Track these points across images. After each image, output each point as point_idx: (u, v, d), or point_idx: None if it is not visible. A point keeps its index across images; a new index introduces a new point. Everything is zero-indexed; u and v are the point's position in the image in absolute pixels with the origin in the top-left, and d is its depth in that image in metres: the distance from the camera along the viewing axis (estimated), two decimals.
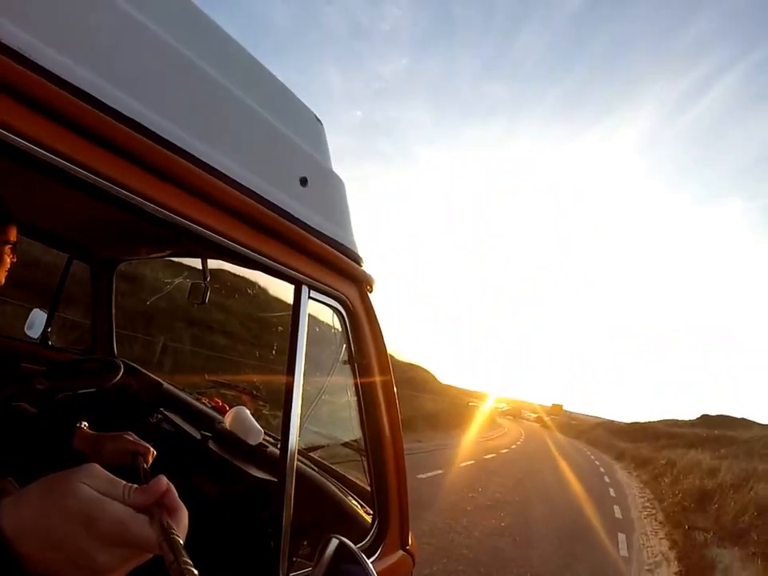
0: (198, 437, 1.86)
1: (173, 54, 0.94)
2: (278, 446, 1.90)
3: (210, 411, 2.14)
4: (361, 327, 1.50)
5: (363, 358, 1.52)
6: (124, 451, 1.22)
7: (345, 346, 1.50)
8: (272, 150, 1.23)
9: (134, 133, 0.84)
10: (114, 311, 2.62)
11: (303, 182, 1.30)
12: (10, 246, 1.37)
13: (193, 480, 1.74)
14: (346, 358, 1.51)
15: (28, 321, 2.46)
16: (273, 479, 1.65)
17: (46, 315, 2.51)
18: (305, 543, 1.45)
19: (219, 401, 2.28)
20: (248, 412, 1.95)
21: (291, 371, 1.26)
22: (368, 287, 1.53)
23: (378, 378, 1.55)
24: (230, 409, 2.23)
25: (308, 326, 1.30)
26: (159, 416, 2.08)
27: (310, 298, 1.32)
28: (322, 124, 1.46)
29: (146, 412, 2.12)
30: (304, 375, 1.27)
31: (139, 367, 2.35)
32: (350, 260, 1.44)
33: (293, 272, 1.27)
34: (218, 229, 1.07)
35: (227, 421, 1.95)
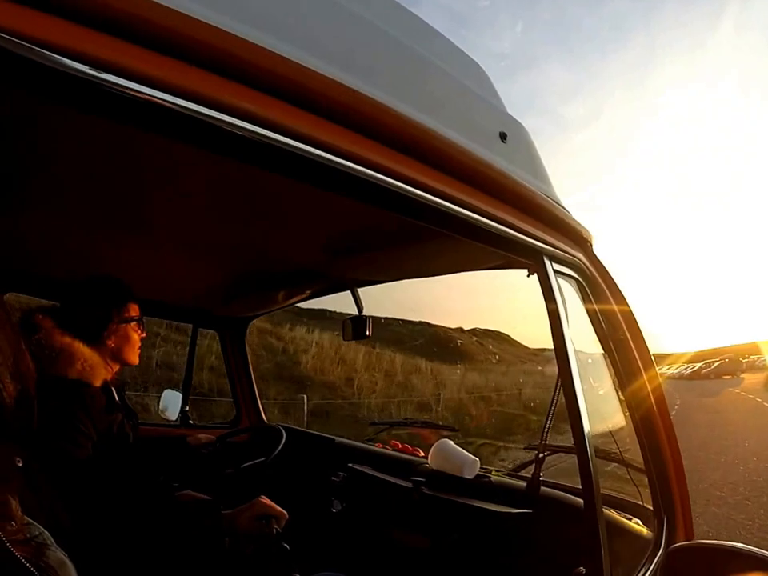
0: (409, 485, 1.58)
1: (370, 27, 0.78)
2: (490, 473, 1.62)
3: (403, 455, 1.87)
4: (603, 295, 1.22)
5: (615, 330, 1.23)
6: (260, 516, 1.19)
7: (590, 320, 1.22)
8: (467, 108, 1.01)
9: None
10: (252, 375, 2.42)
11: (503, 137, 1.07)
12: (135, 322, 1.47)
13: (430, 532, 1.47)
14: (596, 335, 1.23)
15: (161, 403, 2.28)
16: (526, 510, 1.37)
17: (179, 394, 2.33)
18: (583, 570, 1.17)
19: (398, 444, 2.01)
20: (452, 443, 1.66)
21: (566, 369, 0.99)
22: (590, 244, 1.25)
23: (634, 350, 1.25)
24: (412, 448, 1.97)
25: (561, 307, 1.03)
26: (343, 474, 1.83)
27: (554, 271, 1.05)
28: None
29: (323, 472, 1.88)
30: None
31: (300, 428, 2.12)
32: (572, 217, 1.18)
33: (533, 242, 1.01)
34: (455, 198, 0.83)
35: (431, 459, 1.67)
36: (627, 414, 1.31)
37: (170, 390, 2.34)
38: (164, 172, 1.03)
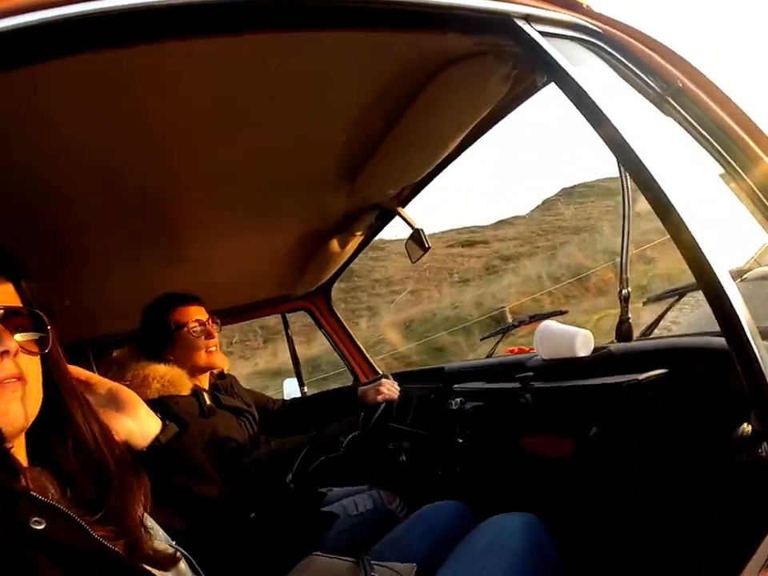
0: (518, 385, 1.37)
1: None
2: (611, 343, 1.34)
3: (514, 358, 1.70)
4: (640, 52, 0.86)
5: (691, 103, 0.86)
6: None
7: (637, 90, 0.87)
8: None
9: None
10: (351, 333, 2.44)
11: None
12: (196, 322, 1.43)
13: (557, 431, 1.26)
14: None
15: (284, 393, 2.42)
16: (659, 371, 1.06)
17: (295, 380, 2.47)
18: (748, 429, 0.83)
19: (515, 349, 1.82)
20: (555, 323, 1.40)
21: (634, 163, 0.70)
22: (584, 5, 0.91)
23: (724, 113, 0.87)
24: (528, 348, 1.76)
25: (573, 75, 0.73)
26: (459, 399, 1.67)
27: (538, 32, 0.76)
28: None
29: (441, 403, 1.76)
30: None
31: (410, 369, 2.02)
32: None
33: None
34: None
35: (538, 349, 1.42)
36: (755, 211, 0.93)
37: (287, 379, 2.50)
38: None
